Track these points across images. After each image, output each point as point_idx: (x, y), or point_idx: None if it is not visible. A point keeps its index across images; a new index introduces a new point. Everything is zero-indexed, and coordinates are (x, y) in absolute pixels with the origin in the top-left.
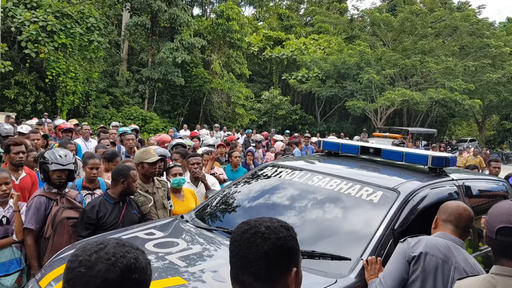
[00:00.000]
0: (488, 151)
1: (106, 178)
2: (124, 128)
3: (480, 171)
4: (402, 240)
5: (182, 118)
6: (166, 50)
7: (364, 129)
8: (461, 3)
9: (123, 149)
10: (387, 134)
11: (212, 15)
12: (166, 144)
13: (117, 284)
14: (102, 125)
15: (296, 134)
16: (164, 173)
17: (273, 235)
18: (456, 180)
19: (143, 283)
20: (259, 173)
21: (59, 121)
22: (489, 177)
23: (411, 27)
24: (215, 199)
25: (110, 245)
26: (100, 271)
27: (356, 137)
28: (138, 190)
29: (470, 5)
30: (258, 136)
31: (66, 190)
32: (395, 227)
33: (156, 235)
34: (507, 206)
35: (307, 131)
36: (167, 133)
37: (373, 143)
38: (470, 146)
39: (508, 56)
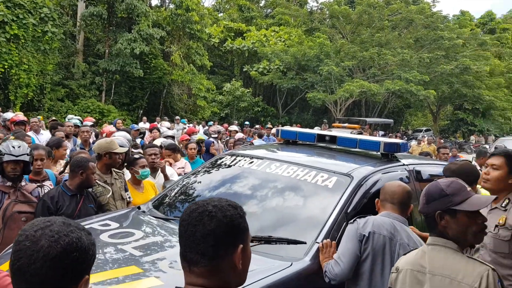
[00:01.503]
0: (442, 140)
1: (54, 171)
2: (71, 117)
3: (434, 158)
4: (351, 221)
5: (141, 111)
6: (124, 41)
7: (325, 120)
8: None
9: (78, 141)
10: (346, 124)
11: (171, 6)
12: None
13: (57, 260)
14: (53, 118)
15: (257, 126)
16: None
17: (219, 213)
18: (406, 165)
19: (83, 263)
20: (218, 162)
21: (9, 114)
22: (438, 162)
23: (369, 20)
24: (174, 189)
25: (56, 223)
26: (43, 247)
27: (316, 128)
28: (97, 181)
29: None
30: (219, 127)
31: (23, 183)
32: (349, 211)
33: (111, 226)
34: (431, 185)
35: (269, 123)
36: (116, 125)
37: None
38: (425, 135)
39: (460, 48)
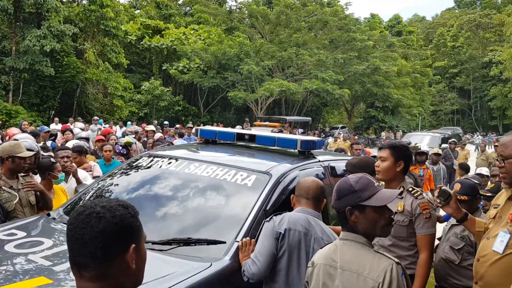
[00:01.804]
0: (356, 137)
1: None
2: None
3: (348, 153)
4: (267, 219)
5: (53, 111)
6: (33, 37)
7: (246, 119)
8: None
9: None
10: (267, 123)
11: (84, 1)
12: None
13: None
14: None
15: (178, 126)
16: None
17: (108, 214)
18: (322, 161)
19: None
20: (134, 164)
21: None
22: (351, 158)
23: (287, 21)
24: (87, 193)
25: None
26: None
27: (238, 127)
28: (2, 187)
29: (338, 1)
30: (136, 128)
31: None
32: (268, 208)
33: (18, 235)
34: (341, 182)
35: (190, 122)
36: (22, 127)
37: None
38: (341, 132)
39: (371, 50)
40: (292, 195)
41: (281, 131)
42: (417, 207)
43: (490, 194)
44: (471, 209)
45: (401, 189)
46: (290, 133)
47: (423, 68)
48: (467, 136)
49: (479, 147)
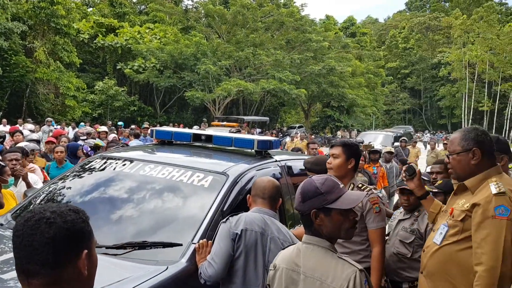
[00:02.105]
0: (313, 136)
1: None
2: None
3: (305, 153)
4: (224, 220)
5: (0, 113)
6: None
7: (204, 119)
8: (287, 0)
9: None
10: (225, 123)
11: None
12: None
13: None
14: None
15: (133, 126)
16: None
17: (59, 219)
18: (279, 161)
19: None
20: (87, 166)
21: None
22: (307, 157)
23: (243, 21)
24: (38, 197)
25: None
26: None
27: (195, 127)
28: None
29: (294, 2)
30: (88, 129)
31: None
32: (225, 209)
33: None
34: (306, 183)
35: (146, 123)
36: None
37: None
38: (298, 132)
39: (326, 50)
40: (249, 195)
41: (239, 131)
42: (368, 202)
43: (436, 190)
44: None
45: (352, 185)
46: (248, 133)
47: (376, 69)
48: (418, 134)
49: (428, 145)
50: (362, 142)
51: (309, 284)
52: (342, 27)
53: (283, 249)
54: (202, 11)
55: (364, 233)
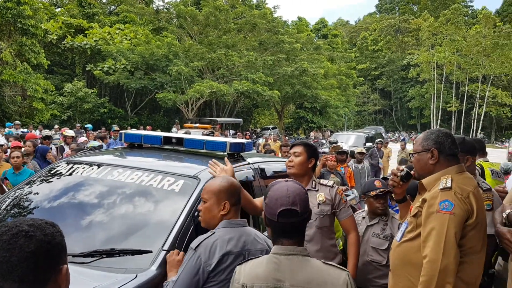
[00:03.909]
0: (286, 137)
1: None
2: None
3: (279, 154)
4: (194, 246)
5: None
6: None
7: (176, 120)
8: (259, 1)
9: None
10: (197, 125)
11: None
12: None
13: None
14: None
15: (103, 129)
16: None
17: (38, 232)
18: (252, 163)
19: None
20: (52, 172)
21: None
22: (280, 159)
23: (216, 22)
24: (3, 203)
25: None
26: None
27: (174, 129)
28: None
29: (266, 4)
30: (47, 132)
31: None
32: (196, 214)
33: None
34: (284, 189)
35: (116, 125)
36: None
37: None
38: (272, 133)
39: (299, 52)
40: (224, 202)
41: (212, 133)
42: (336, 194)
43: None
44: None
45: (314, 182)
46: (221, 134)
47: (348, 70)
48: (389, 134)
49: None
50: (336, 142)
51: None
52: (314, 29)
53: (241, 263)
54: (174, 12)
55: (332, 227)
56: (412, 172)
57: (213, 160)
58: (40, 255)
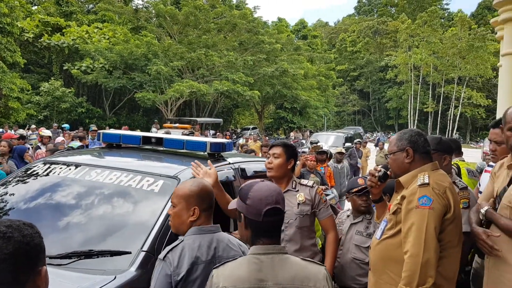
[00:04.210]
0: (267, 137)
1: None
2: None
3: (259, 154)
4: (162, 257)
5: None
6: None
7: (156, 120)
8: (239, 2)
9: None
10: (177, 125)
11: None
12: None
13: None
14: None
15: (81, 128)
16: None
17: (17, 233)
18: (232, 163)
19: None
20: (29, 172)
21: None
22: (260, 159)
23: (195, 22)
24: None
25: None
26: None
27: (153, 129)
28: None
29: (246, 4)
30: (21, 131)
31: None
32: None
33: None
34: (266, 188)
35: (94, 125)
36: None
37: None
38: (252, 133)
39: (279, 52)
40: (193, 208)
41: (192, 133)
42: (316, 194)
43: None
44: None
45: (294, 183)
46: (201, 134)
47: (327, 71)
48: (368, 135)
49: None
50: (317, 142)
51: None
52: (294, 29)
53: (217, 267)
54: (153, 11)
55: (312, 227)
56: (388, 172)
57: (196, 161)
58: (19, 257)
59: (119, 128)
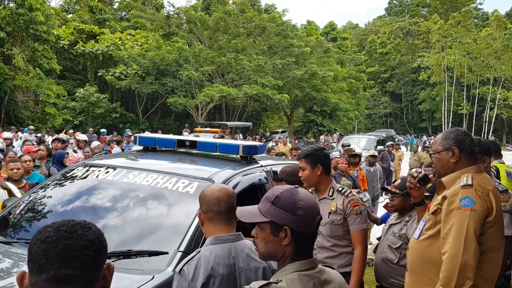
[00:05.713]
0: (296, 141)
1: None
2: None
3: (290, 158)
4: (178, 270)
5: None
6: None
7: (186, 125)
8: (268, 6)
9: None
10: (208, 129)
11: (11, 4)
12: None
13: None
14: None
15: (115, 133)
16: None
17: (92, 225)
18: (264, 166)
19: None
20: (68, 174)
21: None
22: (292, 162)
23: (225, 27)
24: (18, 207)
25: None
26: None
27: (185, 133)
28: None
29: (275, 8)
30: (64, 136)
31: None
32: None
33: None
34: (310, 195)
35: (128, 130)
36: None
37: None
38: (282, 137)
39: (308, 55)
40: (198, 211)
41: (222, 137)
42: (348, 204)
43: (395, 191)
44: (405, 204)
45: (332, 190)
46: (232, 138)
47: (358, 73)
48: (400, 137)
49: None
50: (349, 145)
51: None
52: (323, 32)
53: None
54: (184, 17)
55: (348, 236)
56: (430, 176)
57: None
58: (98, 245)
59: (153, 132)
